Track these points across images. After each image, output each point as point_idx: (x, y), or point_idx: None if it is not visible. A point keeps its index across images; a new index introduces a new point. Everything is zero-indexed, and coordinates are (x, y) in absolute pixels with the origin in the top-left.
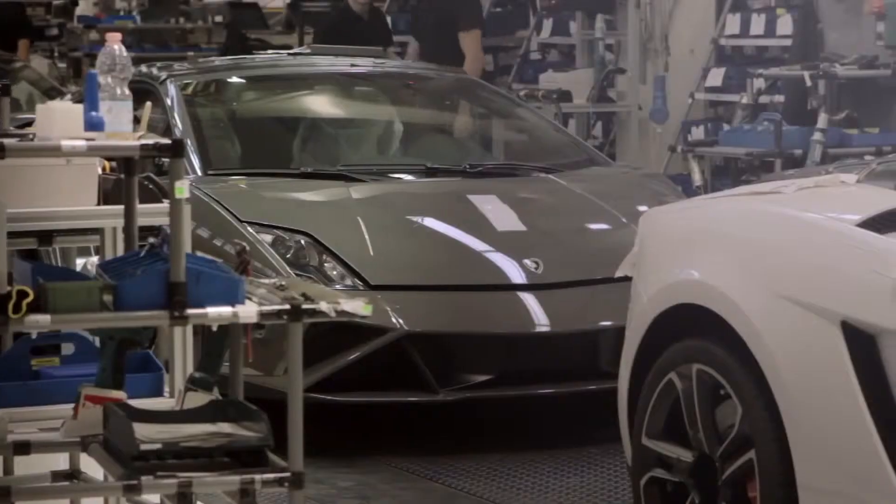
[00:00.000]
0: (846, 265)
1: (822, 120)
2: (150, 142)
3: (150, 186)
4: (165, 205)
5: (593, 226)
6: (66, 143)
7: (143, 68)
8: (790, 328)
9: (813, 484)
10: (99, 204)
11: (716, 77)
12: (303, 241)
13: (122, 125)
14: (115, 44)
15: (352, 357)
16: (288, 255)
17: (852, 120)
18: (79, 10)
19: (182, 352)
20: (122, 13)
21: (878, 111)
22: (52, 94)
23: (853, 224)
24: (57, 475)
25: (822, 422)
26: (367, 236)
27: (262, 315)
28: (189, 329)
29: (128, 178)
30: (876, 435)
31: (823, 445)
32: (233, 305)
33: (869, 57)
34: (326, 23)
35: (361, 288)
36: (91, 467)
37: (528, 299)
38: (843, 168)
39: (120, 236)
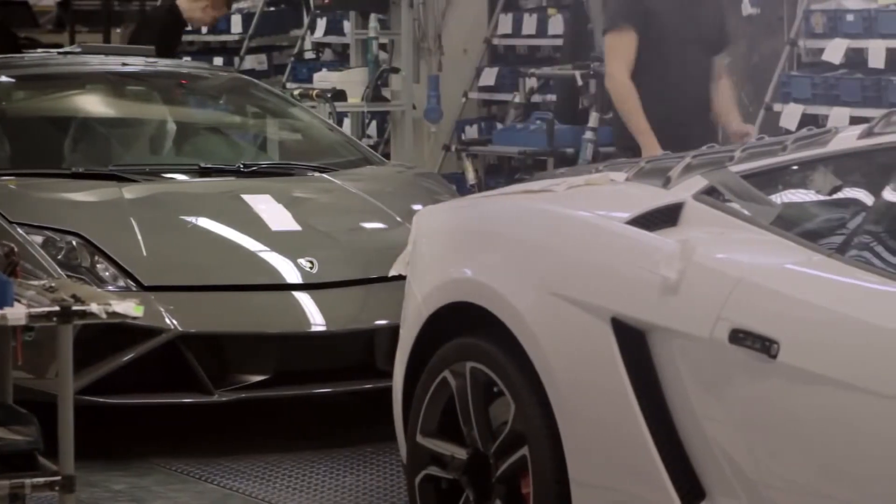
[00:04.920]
0: (616, 262)
1: (594, 119)
2: None
3: None
4: None
5: (368, 225)
6: None
7: None
8: (562, 325)
9: (585, 479)
10: None
11: (489, 76)
12: (74, 242)
13: None
14: None
15: (125, 359)
16: (59, 257)
17: None
18: None
19: None
20: None
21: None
22: None
23: (622, 222)
24: None
25: (593, 418)
26: (139, 237)
27: (31, 317)
28: None
29: None
30: (646, 430)
31: (595, 441)
32: (1, 308)
33: None
34: (148, 23)
35: (135, 289)
36: None
37: (304, 299)
38: (612, 166)
39: None
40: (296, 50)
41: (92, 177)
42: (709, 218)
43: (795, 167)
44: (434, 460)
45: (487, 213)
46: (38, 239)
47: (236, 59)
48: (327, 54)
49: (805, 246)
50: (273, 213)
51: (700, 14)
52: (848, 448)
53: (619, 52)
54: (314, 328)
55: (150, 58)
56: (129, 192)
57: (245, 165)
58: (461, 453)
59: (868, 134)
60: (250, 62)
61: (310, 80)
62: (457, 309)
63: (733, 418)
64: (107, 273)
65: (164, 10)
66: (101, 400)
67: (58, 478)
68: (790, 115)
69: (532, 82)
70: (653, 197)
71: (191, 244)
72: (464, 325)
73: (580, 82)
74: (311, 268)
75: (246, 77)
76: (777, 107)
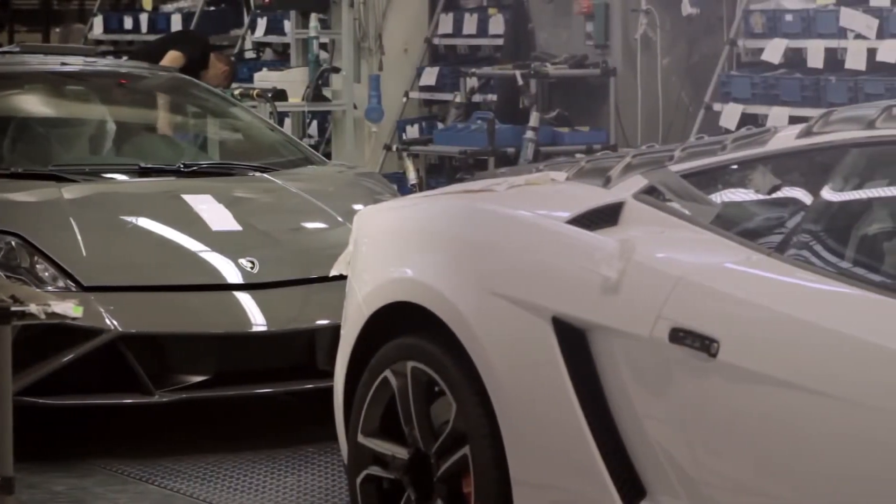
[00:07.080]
0: (556, 262)
1: (534, 118)
2: None
3: None
4: None
5: (309, 225)
6: None
7: None
8: (503, 325)
9: (526, 478)
10: None
11: (430, 76)
12: (13, 243)
13: None
14: None
15: (65, 359)
16: None
17: (563, 118)
18: None
19: None
20: None
21: (588, 110)
22: None
23: (563, 221)
24: None
25: (534, 416)
26: (79, 237)
27: None
28: None
29: None
30: (587, 429)
31: (536, 440)
32: None
33: (578, 56)
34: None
35: (74, 289)
36: None
37: (245, 299)
38: (552, 166)
39: None
40: (236, 49)
41: (31, 177)
42: (649, 217)
43: (735, 166)
44: (375, 460)
45: (428, 213)
46: None
47: None
48: (268, 54)
49: (745, 245)
50: (214, 212)
51: None
52: (788, 446)
53: None
54: (255, 328)
55: (89, 57)
56: (69, 192)
57: (185, 165)
58: (402, 453)
59: (806, 133)
60: None
61: (250, 80)
62: (398, 309)
63: (674, 417)
64: (46, 273)
65: (198, 48)
66: (41, 401)
67: None
68: (730, 114)
69: (473, 82)
70: (593, 196)
71: (131, 244)
72: (405, 324)
73: (521, 82)
74: (251, 268)
75: (186, 77)
76: (717, 106)
